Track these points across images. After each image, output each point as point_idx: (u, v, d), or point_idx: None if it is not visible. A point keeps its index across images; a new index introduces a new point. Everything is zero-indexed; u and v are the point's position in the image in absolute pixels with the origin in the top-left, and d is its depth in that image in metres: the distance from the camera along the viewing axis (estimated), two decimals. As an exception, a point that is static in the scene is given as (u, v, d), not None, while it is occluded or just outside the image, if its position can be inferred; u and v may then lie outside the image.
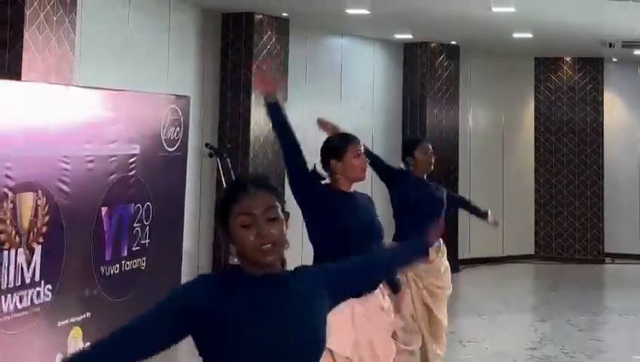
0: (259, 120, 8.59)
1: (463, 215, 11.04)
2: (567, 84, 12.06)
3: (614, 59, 11.89)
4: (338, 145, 3.85)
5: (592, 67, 11.97)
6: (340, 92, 10.13)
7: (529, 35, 9.87)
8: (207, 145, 8.01)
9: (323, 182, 3.84)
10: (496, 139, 11.89)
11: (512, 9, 8.07)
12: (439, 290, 5.18)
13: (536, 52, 11.74)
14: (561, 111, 12.06)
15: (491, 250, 11.60)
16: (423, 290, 5.13)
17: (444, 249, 5.31)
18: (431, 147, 5.25)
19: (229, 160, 7.99)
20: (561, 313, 8.45)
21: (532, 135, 12.14)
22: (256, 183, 2.03)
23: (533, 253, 11.95)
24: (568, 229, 11.87)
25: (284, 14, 8.74)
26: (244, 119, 8.52)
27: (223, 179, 7.86)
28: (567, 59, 12.07)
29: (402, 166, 5.27)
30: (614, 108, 12.13)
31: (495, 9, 8.09)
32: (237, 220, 1.98)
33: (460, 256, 11.09)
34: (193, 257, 8.14)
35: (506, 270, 11.21)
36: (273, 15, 8.71)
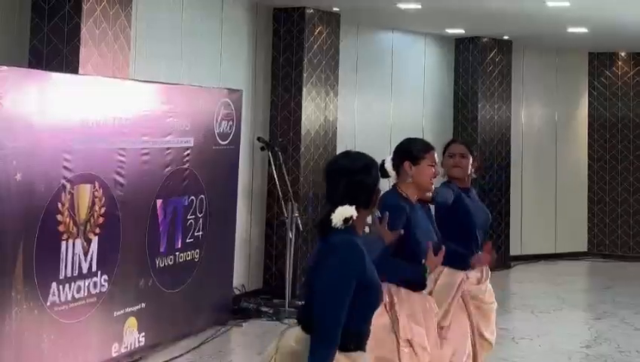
0: (310, 115, 8.59)
1: (515, 209, 10.93)
2: (621, 80, 11.84)
3: (671, 54, 11.64)
4: (420, 149, 3.84)
5: (647, 62, 11.74)
6: (390, 87, 10.09)
7: (584, 30, 9.70)
8: (259, 138, 8.05)
9: (389, 181, 3.83)
10: (549, 135, 11.73)
11: (567, 3, 7.94)
12: (486, 306, 4.61)
13: (590, 47, 11.55)
14: (616, 107, 11.85)
15: (544, 247, 11.45)
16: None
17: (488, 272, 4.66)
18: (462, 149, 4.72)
19: (280, 153, 8.03)
20: (616, 311, 8.32)
21: (586, 131, 11.95)
22: None
23: (586, 250, 11.77)
24: (622, 226, 11.67)
25: (335, 9, 8.73)
26: (295, 113, 8.52)
27: (274, 173, 7.89)
28: (622, 54, 11.85)
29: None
30: (671, 104, 11.89)
31: (550, 3, 7.96)
32: None
33: (512, 253, 10.97)
34: (244, 248, 8.18)
35: (559, 267, 11.07)
36: (324, 10, 8.71)
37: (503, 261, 10.60)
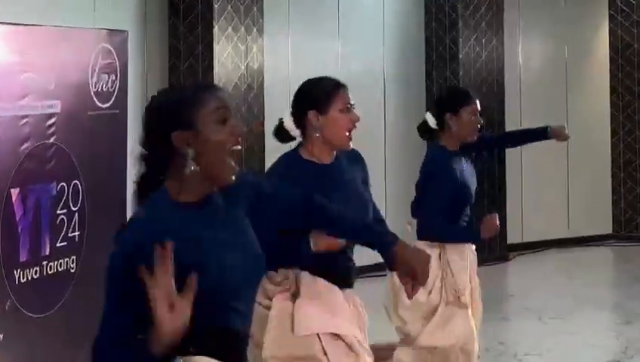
0: (225, 62, 8.55)
1: (512, 183, 11.03)
2: (653, 0, 12.03)
3: None
4: (326, 90, 3.97)
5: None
6: (336, 20, 10.08)
7: None
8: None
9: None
10: (556, 79, 11.86)
11: None
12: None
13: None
14: (646, 37, 12.02)
15: (553, 231, 11.60)
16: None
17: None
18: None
19: (186, 118, 7.97)
20: (653, 312, 8.49)
21: (607, 71, 12.12)
22: None
23: (611, 231, 11.98)
24: (659, 198, 11.90)
25: None
26: (205, 61, 8.49)
27: (178, 145, 7.83)
28: (653, -40, 12.03)
29: (428, 119, 5.37)
30: None
31: None
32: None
33: (510, 240, 11.08)
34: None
35: (574, 256, 11.24)
36: None
37: (499, 251, 10.71)
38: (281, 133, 4.05)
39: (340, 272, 4.01)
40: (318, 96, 3.94)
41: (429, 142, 5.48)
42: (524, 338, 7.72)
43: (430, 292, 5.10)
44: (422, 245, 4.88)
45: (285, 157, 4.02)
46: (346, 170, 4.05)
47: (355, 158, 4.15)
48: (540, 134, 6.13)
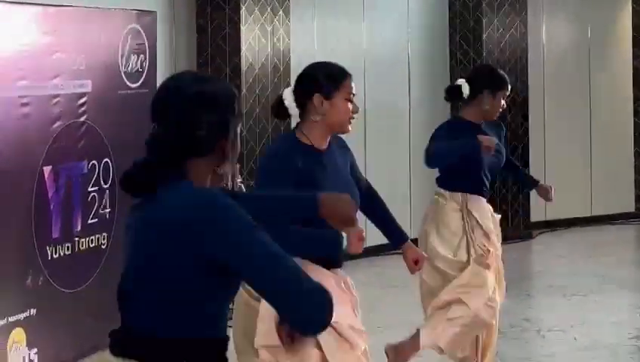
0: (252, 43, 8.54)
1: (536, 161, 11.00)
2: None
3: None
4: (334, 76, 3.99)
5: None
6: (362, 10, 10.04)
7: None
8: (183, 78, 7.99)
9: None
10: (579, 60, 11.79)
11: None
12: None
13: None
14: (670, 15, 11.93)
15: (576, 210, 11.55)
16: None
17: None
18: None
19: (213, 98, 7.97)
20: (676, 289, 8.48)
21: (629, 50, 12.03)
22: None
23: (634, 210, 11.92)
24: (683, 177, 11.83)
25: None
26: (232, 42, 8.48)
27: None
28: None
29: (462, 85, 5.67)
30: None
31: None
32: None
33: (534, 219, 11.06)
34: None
35: (597, 235, 11.19)
36: None
37: (523, 229, 10.69)
38: (279, 109, 4.02)
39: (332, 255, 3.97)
40: (325, 81, 3.95)
41: (452, 111, 5.82)
42: (547, 315, 7.71)
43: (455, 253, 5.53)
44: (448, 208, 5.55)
45: (284, 138, 4.09)
46: (337, 157, 4.08)
47: (343, 145, 4.20)
48: (530, 183, 6.52)
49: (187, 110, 2.64)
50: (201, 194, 2.57)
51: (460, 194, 5.59)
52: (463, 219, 5.58)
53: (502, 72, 5.75)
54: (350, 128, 4.00)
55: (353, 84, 4.01)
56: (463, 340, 5.50)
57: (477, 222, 5.57)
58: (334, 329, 3.77)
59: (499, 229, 5.80)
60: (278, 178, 3.82)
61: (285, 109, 3.98)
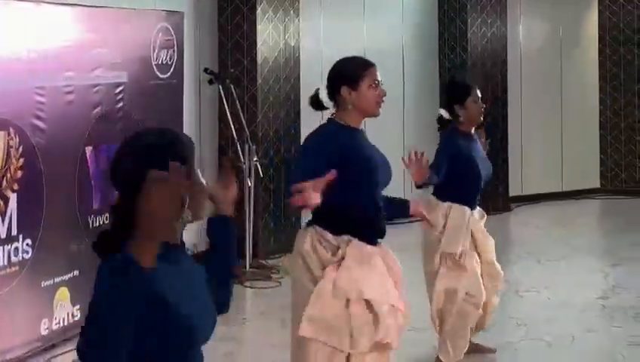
0: (267, 39, 8.51)
1: (514, 142, 10.99)
2: (638, -16, 11.86)
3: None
4: (356, 68, 3.96)
5: (667, -39, 11.75)
6: (362, 3, 10.01)
7: None
8: (206, 70, 7.98)
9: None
10: (552, 55, 11.74)
11: None
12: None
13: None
14: (631, 17, 11.87)
15: (549, 185, 11.54)
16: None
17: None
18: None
19: (233, 87, 7.97)
20: (636, 255, 8.42)
21: (596, 47, 11.98)
22: None
23: (599, 186, 11.90)
24: (641, 157, 11.80)
25: None
26: (249, 38, 8.45)
27: (227, 110, 7.84)
28: (638, -53, 11.85)
29: (442, 113, 5.45)
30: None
31: None
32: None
33: (512, 193, 11.04)
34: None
35: (568, 207, 11.19)
36: None
37: (502, 203, 10.68)
38: (316, 102, 4.00)
39: (379, 225, 3.97)
40: (349, 73, 3.92)
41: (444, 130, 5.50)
42: (525, 278, 7.70)
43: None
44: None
45: (323, 126, 4.00)
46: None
47: None
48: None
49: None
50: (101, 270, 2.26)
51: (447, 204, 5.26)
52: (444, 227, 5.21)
53: (462, 81, 5.51)
54: (380, 111, 3.95)
55: (378, 73, 3.95)
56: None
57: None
58: (371, 307, 3.76)
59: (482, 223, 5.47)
60: (324, 155, 3.80)
61: (321, 102, 3.95)
